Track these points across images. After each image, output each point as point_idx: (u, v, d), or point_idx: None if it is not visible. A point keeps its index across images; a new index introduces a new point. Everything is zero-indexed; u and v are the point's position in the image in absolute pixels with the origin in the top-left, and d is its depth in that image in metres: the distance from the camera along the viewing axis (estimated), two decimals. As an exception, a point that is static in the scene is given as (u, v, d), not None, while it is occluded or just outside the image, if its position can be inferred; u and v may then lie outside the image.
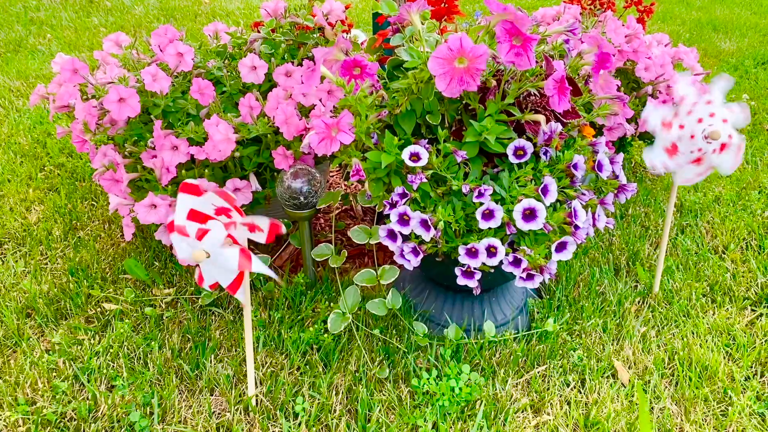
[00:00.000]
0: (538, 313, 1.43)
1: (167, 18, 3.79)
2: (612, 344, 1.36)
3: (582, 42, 1.38)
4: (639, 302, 1.48)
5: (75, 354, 1.31)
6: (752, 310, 1.46)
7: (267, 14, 1.57)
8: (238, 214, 1.02)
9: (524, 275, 1.05)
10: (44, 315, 1.41)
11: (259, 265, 1.00)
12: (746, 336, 1.38)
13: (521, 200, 1.02)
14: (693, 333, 1.39)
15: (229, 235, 0.96)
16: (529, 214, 1.02)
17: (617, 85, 1.47)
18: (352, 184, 1.88)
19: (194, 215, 0.98)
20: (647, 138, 1.83)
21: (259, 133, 1.31)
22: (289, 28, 1.57)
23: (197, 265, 1.05)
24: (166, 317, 1.40)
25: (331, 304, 1.41)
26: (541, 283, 1.25)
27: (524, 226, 1.02)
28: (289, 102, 1.32)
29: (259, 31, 1.54)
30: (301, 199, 1.35)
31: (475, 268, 1.06)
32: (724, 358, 1.33)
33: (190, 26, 3.65)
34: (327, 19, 1.61)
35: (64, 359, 1.29)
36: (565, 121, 1.21)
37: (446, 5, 1.29)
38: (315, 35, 1.62)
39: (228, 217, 0.99)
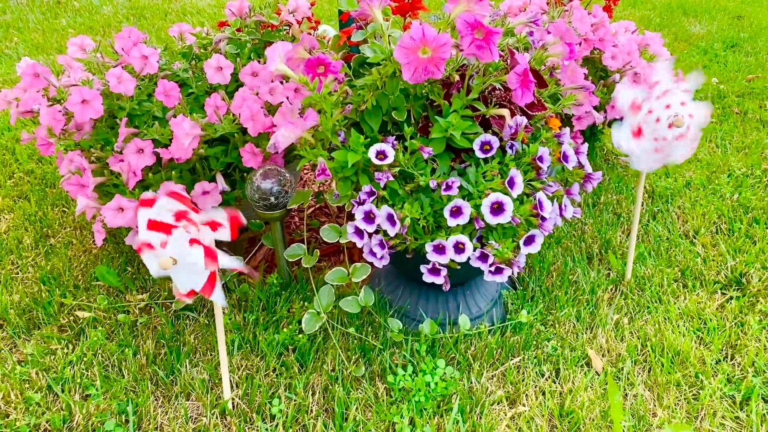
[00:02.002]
0: (512, 304, 1.44)
1: (137, 17, 3.74)
2: (585, 333, 1.37)
3: (548, 33, 1.38)
4: (612, 290, 1.49)
5: (48, 364, 1.29)
6: (722, 294, 1.48)
7: (232, 14, 1.56)
8: (194, 213, 1.01)
9: (492, 269, 1.06)
10: (16, 325, 1.39)
11: (225, 260, 1.00)
12: (716, 320, 1.40)
13: (489, 194, 1.03)
14: (665, 319, 1.40)
15: (192, 240, 0.95)
16: (497, 208, 1.02)
17: (584, 74, 1.48)
18: (325, 182, 1.88)
19: (154, 225, 0.97)
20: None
21: (226, 132, 1.30)
22: (255, 27, 1.56)
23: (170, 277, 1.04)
24: (140, 323, 1.39)
25: (306, 303, 1.41)
26: (510, 276, 1.26)
27: (493, 220, 1.02)
28: (255, 99, 1.31)
29: (224, 31, 1.53)
30: (272, 199, 1.34)
31: (441, 265, 1.07)
32: (695, 342, 1.35)
33: (161, 24, 3.60)
34: (294, 16, 1.60)
35: (37, 370, 1.28)
36: (530, 113, 1.21)
37: (410, 0, 1.29)
38: (281, 33, 1.61)
39: (187, 220, 0.98)
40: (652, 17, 3.63)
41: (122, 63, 1.45)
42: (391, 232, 1.05)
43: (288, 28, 1.65)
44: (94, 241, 1.67)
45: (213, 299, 1.02)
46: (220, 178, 1.35)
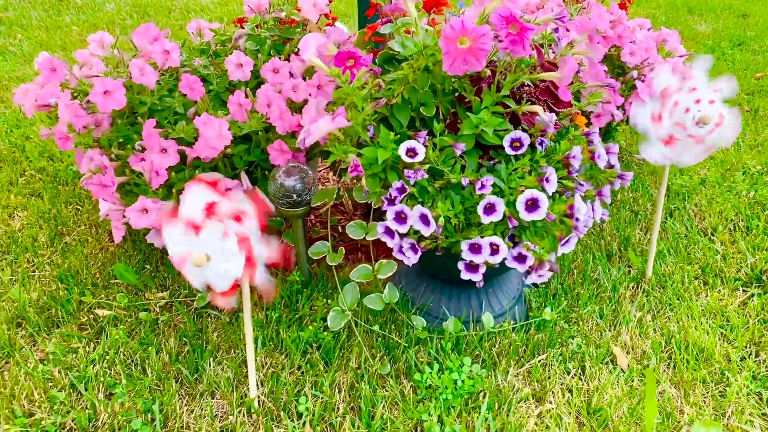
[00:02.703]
0: (534, 302, 1.43)
1: (140, 14, 3.72)
2: (609, 330, 1.37)
3: (568, 30, 1.38)
4: (633, 287, 1.49)
5: (70, 363, 1.28)
6: (744, 291, 1.48)
7: (250, 10, 1.55)
8: (225, 202, 0.99)
9: (531, 271, 1.05)
10: (35, 324, 1.38)
11: (261, 277, 1.00)
12: (739, 317, 1.40)
13: (523, 191, 1.02)
14: (687, 316, 1.40)
15: (242, 238, 0.94)
16: (532, 205, 1.02)
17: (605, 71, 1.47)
18: (346, 180, 1.87)
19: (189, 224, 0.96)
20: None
21: (251, 130, 1.29)
22: (274, 23, 1.55)
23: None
24: (161, 321, 1.38)
25: (329, 301, 1.40)
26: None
27: (527, 217, 1.02)
28: (281, 97, 1.30)
29: (243, 27, 1.52)
30: (294, 197, 1.34)
31: (479, 263, 1.06)
32: (719, 339, 1.35)
33: (165, 22, 3.59)
34: (314, 8, 1.59)
35: (59, 368, 1.27)
36: (556, 110, 1.21)
37: (436, -5, 1.28)
38: (298, 30, 1.60)
39: (216, 215, 0.97)
40: (658, 15, 3.63)
41: (143, 57, 1.43)
42: (426, 233, 1.04)
43: (305, 25, 1.64)
44: (109, 238, 1.66)
45: (257, 284, 1.01)
46: (244, 176, 1.34)
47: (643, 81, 1.70)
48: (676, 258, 1.58)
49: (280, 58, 1.45)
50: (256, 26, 1.53)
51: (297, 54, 1.51)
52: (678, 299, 1.45)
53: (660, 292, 1.47)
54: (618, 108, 1.65)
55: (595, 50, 1.30)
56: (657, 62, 1.70)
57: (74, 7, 3.81)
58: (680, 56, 1.79)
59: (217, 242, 0.96)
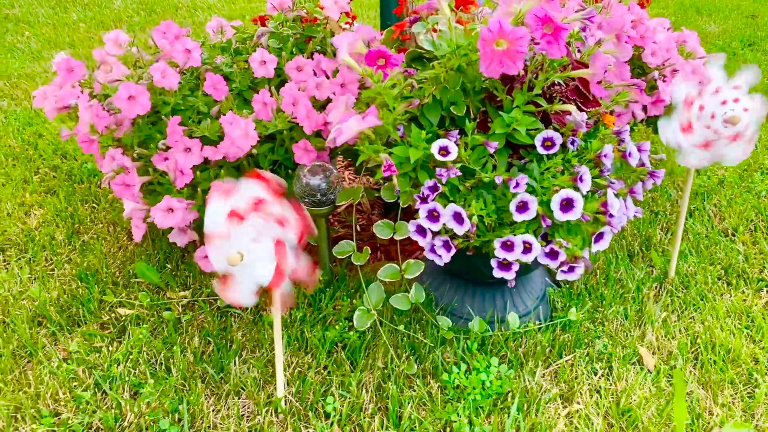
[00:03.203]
0: (558, 302, 1.43)
1: (147, 12, 3.71)
2: (634, 330, 1.36)
3: (597, 29, 1.37)
4: (656, 287, 1.49)
5: (94, 362, 1.28)
6: None
7: (273, 8, 1.54)
8: (274, 203, 0.98)
9: (565, 268, 1.05)
10: (56, 323, 1.37)
11: (287, 286, 1.00)
12: (765, 318, 1.39)
13: (558, 191, 1.01)
14: (712, 316, 1.40)
15: (278, 242, 0.94)
16: (566, 205, 1.01)
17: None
18: (369, 179, 1.87)
19: (232, 214, 0.95)
20: (652, 123, 1.84)
21: (276, 129, 1.28)
22: (295, 21, 1.54)
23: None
24: (185, 320, 1.37)
25: (354, 301, 1.40)
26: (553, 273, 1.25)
27: (562, 217, 1.01)
28: (306, 96, 1.30)
29: (266, 25, 1.51)
30: (319, 196, 1.33)
31: (512, 261, 1.05)
32: (745, 340, 1.34)
33: (173, 20, 3.57)
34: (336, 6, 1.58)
35: (83, 368, 1.26)
36: (585, 109, 1.20)
37: (465, -6, 1.28)
38: (320, 28, 1.59)
39: (263, 213, 0.96)
40: (666, 15, 3.62)
41: (163, 57, 1.43)
42: (459, 231, 1.03)
43: (325, 23, 1.63)
44: (128, 237, 1.65)
45: (281, 291, 1.01)
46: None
47: (664, 81, 1.70)
48: (698, 258, 1.57)
49: (303, 55, 1.45)
50: (279, 24, 1.52)
51: (320, 52, 1.50)
52: (702, 299, 1.45)
53: (684, 293, 1.47)
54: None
55: (622, 50, 1.30)
56: (678, 63, 1.69)
57: (80, 4, 3.80)
58: (700, 58, 1.79)
59: (252, 243, 0.96)
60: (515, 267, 1.06)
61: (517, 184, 1.03)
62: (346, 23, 1.71)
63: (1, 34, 3.25)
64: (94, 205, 1.80)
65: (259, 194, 0.96)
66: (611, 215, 1.03)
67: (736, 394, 1.23)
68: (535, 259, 1.05)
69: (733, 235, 1.67)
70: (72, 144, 2.08)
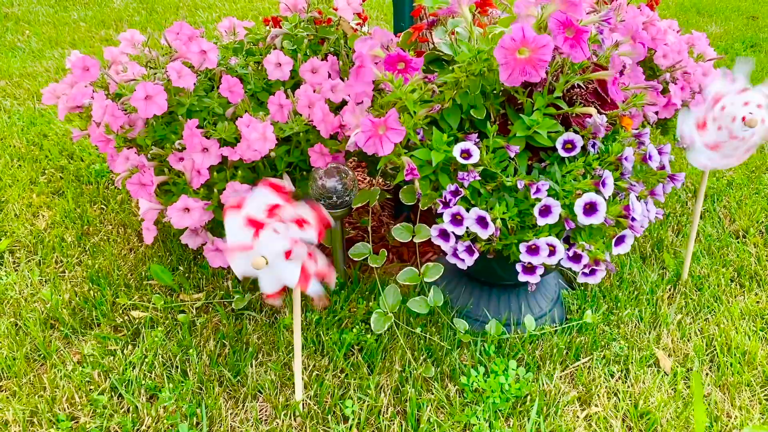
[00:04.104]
0: (572, 304, 1.43)
1: (148, 11, 3.69)
2: (650, 333, 1.36)
3: (611, 31, 1.37)
4: (670, 290, 1.49)
5: (109, 365, 1.27)
6: (780, 294, 1.49)
7: (286, 8, 1.53)
8: (288, 207, 0.98)
9: (587, 270, 1.05)
10: (69, 326, 1.36)
11: (314, 287, 0.99)
12: (779, 319, 1.40)
13: (581, 195, 1.01)
14: (727, 318, 1.40)
15: (299, 243, 0.93)
16: (590, 208, 1.01)
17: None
18: (380, 180, 1.86)
19: (250, 222, 0.95)
20: (662, 125, 1.84)
21: (293, 132, 1.28)
22: (309, 22, 1.54)
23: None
24: (199, 323, 1.36)
25: (370, 304, 1.39)
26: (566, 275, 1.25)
27: (585, 221, 1.01)
28: (321, 98, 1.29)
29: (280, 26, 1.50)
30: (334, 198, 1.33)
31: (537, 265, 1.05)
32: (761, 342, 1.35)
33: (173, 19, 3.55)
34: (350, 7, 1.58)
35: (98, 371, 1.25)
36: (603, 112, 1.20)
37: (483, -4, 1.27)
38: (334, 28, 1.58)
39: (278, 217, 0.96)
40: (667, 16, 3.63)
41: (178, 57, 1.42)
42: (483, 235, 1.03)
43: (337, 24, 1.63)
44: (138, 239, 1.64)
45: (309, 293, 1.00)
46: (287, 178, 1.32)
47: (676, 84, 1.70)
48: (711, 260, 1.58)
49: (318, 58, 1.44)
50: (294, 26, 1.51)
51: (334, 54, 1.50)
52: (716, 301, 1.45)
53: (697, 295, 1.47)
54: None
55: (636, 52, 1.30)
56: (689, 65, 1.69)
57: (81, 3, 3.78)
58: (710, 59, 1.79)
59: (275, 248, 0.95)
60: (540, 270, 1.06)
61: (538, 190, 1.02)
62: (357, 24, 1.71)
63: (1, 33, 3.22)
64: (102, 206, 1.79)
65: (272, 200, 0.95)
66: (633, 219, 1.03)
67: (753, 396, 1.23)
68: (558, 262, 1.05)
69: (744, 236, 1.68)
70: (78, 145, 2.06)
